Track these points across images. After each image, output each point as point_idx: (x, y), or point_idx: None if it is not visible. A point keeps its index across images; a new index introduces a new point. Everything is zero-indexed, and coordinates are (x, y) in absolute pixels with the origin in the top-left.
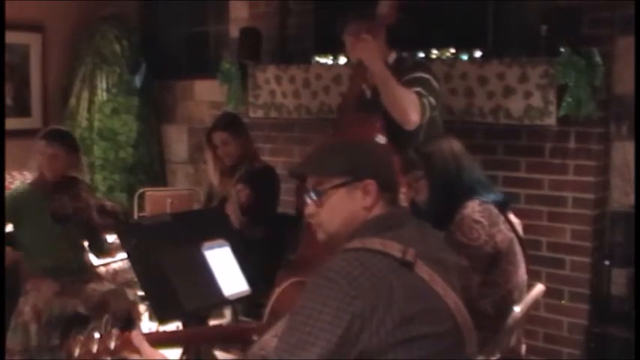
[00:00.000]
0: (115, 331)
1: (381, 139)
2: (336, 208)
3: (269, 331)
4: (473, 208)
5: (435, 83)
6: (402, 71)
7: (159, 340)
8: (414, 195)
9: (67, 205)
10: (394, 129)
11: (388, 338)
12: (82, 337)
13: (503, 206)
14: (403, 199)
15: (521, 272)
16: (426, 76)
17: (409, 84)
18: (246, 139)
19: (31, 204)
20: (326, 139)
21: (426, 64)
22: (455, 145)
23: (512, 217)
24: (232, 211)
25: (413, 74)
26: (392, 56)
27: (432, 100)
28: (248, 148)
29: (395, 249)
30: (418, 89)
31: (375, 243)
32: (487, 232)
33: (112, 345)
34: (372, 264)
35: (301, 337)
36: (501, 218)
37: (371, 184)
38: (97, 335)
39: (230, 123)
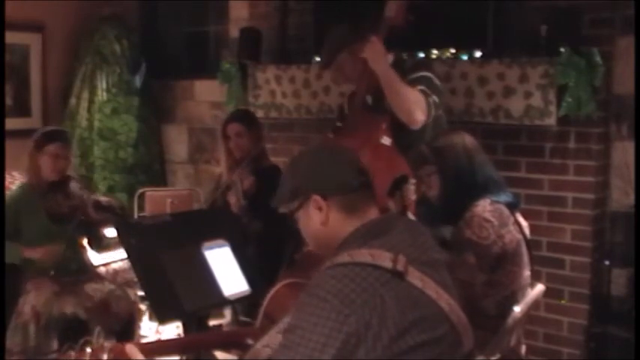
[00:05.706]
0: (107, 344)
1: (386, 140)
2: (305, 229)
3: (261, 339)
4: (484, 207)
5: (437, 81)
6: (403, 71)
7: (154, 350)
8: (426, 190)
9: (62, 204)
10: (400, 129)
11: (385, 352)
12: (73, 353)
13: (513, 207)
14: (412, 190)
15: (526, 274)
16: (428, 74)
17: (413, 83)
18: (259, 135)
19: (28, 205)
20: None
21: (426, 63)
22: (467, 140)
23: (520, 219)
24: (234, 197)
25: (415, 74)
26: (389, 57)
27: (436, 98)
28: (259, 145)
29: (385, 259)
30: (422, 87)
31: (364, 255)
32: (496, 232)
33: (105, 358)
34: (362, 278)
35: (295, 357)
36: (511, 219)
37: (316, 200)
38: (88, 349)
39: (245, 116)
